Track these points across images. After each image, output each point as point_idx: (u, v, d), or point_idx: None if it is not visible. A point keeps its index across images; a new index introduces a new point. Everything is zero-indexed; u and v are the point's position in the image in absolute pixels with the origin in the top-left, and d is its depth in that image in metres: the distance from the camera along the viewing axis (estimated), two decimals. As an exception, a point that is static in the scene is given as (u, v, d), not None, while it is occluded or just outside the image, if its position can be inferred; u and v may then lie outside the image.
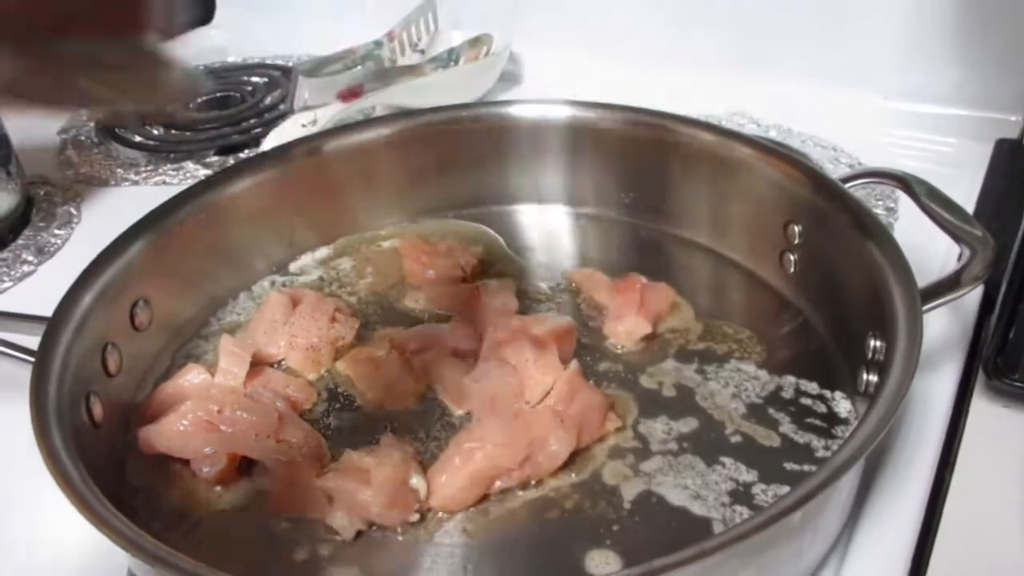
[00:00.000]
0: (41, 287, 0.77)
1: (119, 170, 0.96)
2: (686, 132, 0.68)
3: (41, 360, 0.50)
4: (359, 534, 0.50)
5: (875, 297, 0.52)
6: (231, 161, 0.96)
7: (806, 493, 0.38)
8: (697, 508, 0.50)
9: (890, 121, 0.92)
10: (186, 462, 0.54)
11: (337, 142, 0.72)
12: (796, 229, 0.64)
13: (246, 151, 0.98)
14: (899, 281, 0.50)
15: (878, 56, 0.93)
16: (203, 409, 0.54)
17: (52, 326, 0.52)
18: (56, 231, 0.84)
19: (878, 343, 0.52)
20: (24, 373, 0.53)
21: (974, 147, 0.86)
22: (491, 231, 0.76)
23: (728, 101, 0.98)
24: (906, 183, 0.60)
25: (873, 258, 0.54)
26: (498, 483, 0.52)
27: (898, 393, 0.43)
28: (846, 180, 0.62)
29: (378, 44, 1.06)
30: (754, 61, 1.00)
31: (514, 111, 0.74)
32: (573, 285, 0.69)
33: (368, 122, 0.76)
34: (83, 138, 1.04)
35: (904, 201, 0.73)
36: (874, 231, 0.54)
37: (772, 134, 0.93)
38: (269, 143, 0.88)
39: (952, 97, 0.89)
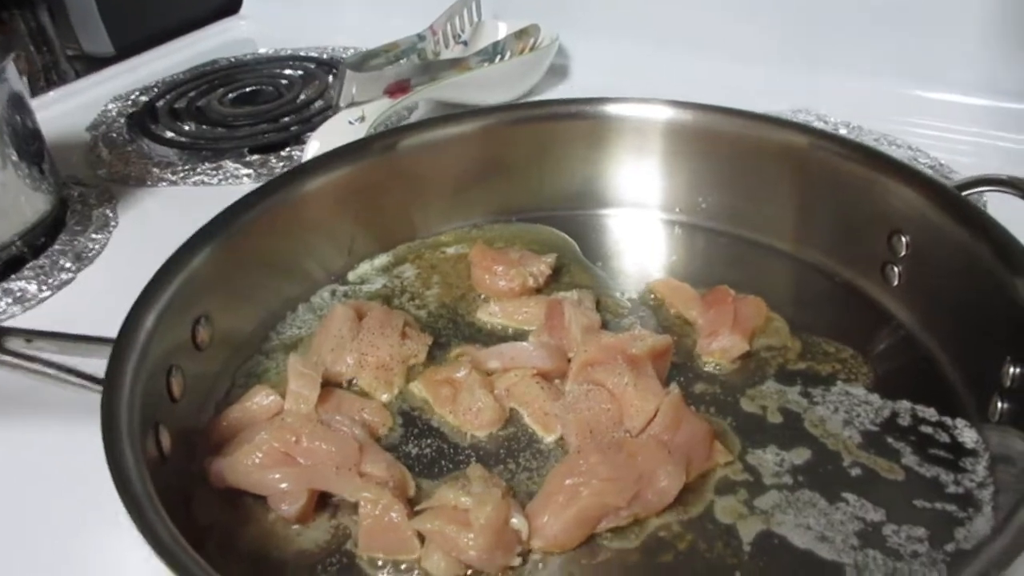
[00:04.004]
0: (82, 296, 0.73)
1: (154, 169, 0.91)
2: (782, 134, 0.64)
3: (110, 389, 0.45)
4: (455, 579, 0.46)
5: (1014, 323, 0.48)
6: (272, 160, 0.91)
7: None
8: (825, 552, 0.46)
9: (967, 118, 0.87)
10: (258, 496, 0.50)
11: (414, 139, 0.68)
12: (904, 240, 0.59)
13: (287, 148, 0.94)
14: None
15: (952, 49, 0.89)
16: (279, 439, 0.50)
17: (118, 350, 0.48)
18: (94, 235, 0.80)
19: (1017, 370, 0.48)
20: (78, 396, 0.49)
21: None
22: (564, 235, 0.71)
23: (792, 97, 0.93)
24: (1028, 192, 0.55)
25: (1010, 281, 0.49)
26: (603, 522, 0.47)
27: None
28: (960, 188, 0.58)
29: (421, 37, 1.01)
30: (818, 56, 0.96)
31: (610, 109, 0.70)
32: (654, 297, 0.65)
33: (448, 118, 0.71)
34: (114, 135, 0.99)
35: (994, 201, 0.70)
36: (1016, 259, 0.50)
37: (842, 132, 0.88)
38: (315, 141, 0.83)
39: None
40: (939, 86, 0.90)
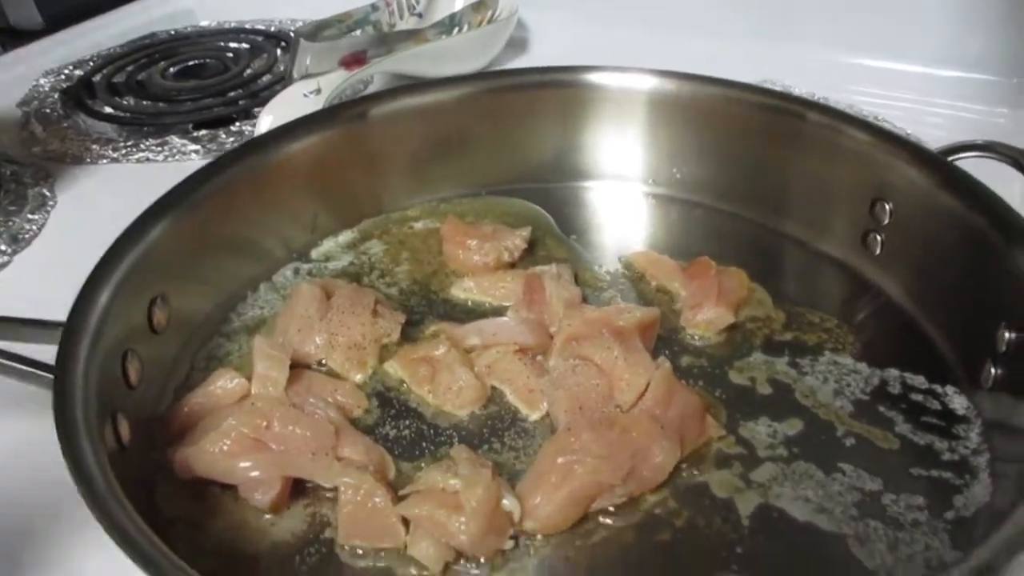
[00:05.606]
0: (19, 280, 0.68)
1: (94, 146, 0.86)
2: (754, 100, 0.63)
3: (62, 376, 0.41)
4: (446, 566, 0.43)
5: (1010, 291, 0.47)
6: (222, 135, 0.87)
7: None
8: (825, 523, 0.45)
9: (933, 90, 0.87)
10: (227, 486, 0.47)
11: (379, 110, 0.65)
12: (887, 207, 0.58)
13: (237, 123, 0.89)
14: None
15: (916, 20, 0.88)
16: (248, 425, 0.46)
17: (69, 333, 0.44)
18: (30, 216, 0.75)
19: (1013, 335, 0.47)
20: (18, 385, 0.45)
21: (1025, 117, 0.82)
22: (538, 208, 0.69)
23: (757, 70, 0.91)
24: (1015, 159, 0.54)
25: (1006, 251, 0.48)
26: (597, 501, 0.45)
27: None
28: (945, 153, 0.57)
29: (374, 7, 0.97)
30: (783, 28, 0.95)
31: (585, 78, 0.67)
32: (634, 270, 0.63)
33: (416, 87, 0.68)
34: (48, 111, 0.93)
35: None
36: (1013, 229, 0.49)
37: (808, 104, 0.87)
38: (269, 115, 0.79)
39: (1001, 65, 0.84)
40: (903, 57, 0.89)
